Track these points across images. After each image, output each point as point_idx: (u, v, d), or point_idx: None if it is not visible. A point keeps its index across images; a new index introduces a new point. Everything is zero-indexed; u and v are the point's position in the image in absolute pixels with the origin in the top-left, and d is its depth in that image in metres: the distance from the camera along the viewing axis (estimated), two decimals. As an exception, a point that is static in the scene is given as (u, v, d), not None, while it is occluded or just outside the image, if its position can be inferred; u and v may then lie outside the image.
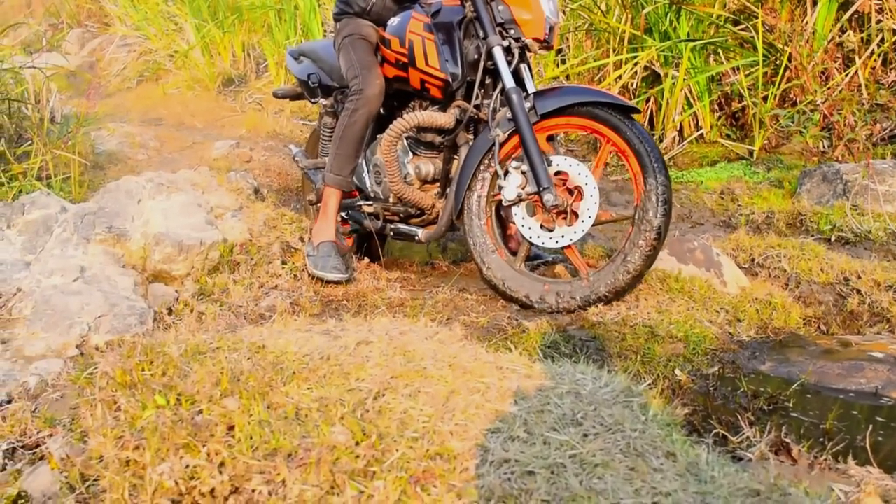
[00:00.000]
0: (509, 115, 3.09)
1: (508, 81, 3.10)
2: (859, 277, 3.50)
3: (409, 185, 3.46)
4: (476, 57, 3.24)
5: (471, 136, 3.40)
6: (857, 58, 5.67)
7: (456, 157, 3.44)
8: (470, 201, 3.22)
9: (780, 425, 2.35)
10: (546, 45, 3.23)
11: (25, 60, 5.10)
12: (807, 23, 5.77)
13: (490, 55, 3.18)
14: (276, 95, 4.35)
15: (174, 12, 7.25)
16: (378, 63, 3.53)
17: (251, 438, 1.65)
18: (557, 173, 3.05)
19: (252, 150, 5.00)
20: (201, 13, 6.75)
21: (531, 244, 3.13)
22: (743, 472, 1.73)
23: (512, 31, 3.19)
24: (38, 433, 2.03)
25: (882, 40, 5.69)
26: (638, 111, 3.14)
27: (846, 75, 5.63)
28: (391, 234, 3.64)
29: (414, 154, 3.53)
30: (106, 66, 7.51)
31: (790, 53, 5.64)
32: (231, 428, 1.69)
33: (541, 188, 2.99)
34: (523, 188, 3.06)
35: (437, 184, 3.53)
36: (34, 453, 1.99)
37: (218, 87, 6.47)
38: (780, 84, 5.64)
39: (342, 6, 3.63)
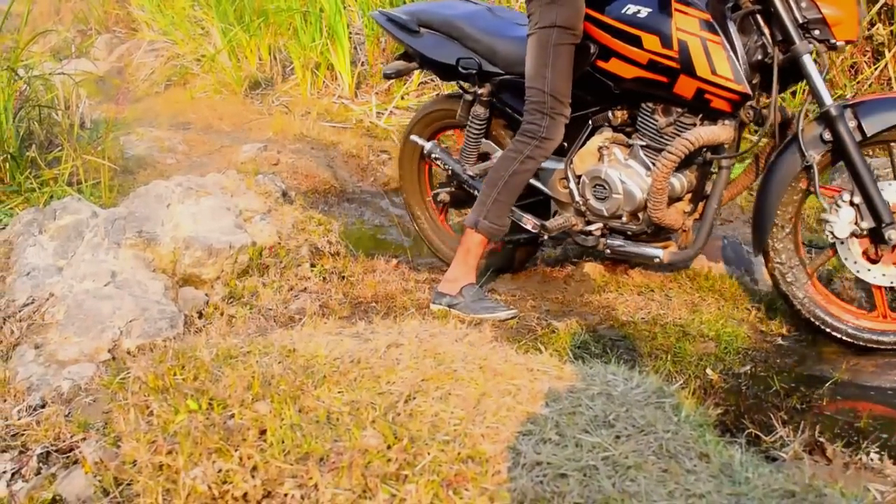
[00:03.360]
0: (826, 134, 2.71)
1: (826, 97, 2.70)
2: (893, 273, 3.46)
3: None
4: (759, 58, 2.78)
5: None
6: (886, 51, 5.60)
7: (714, 171, 3.03)
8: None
9: (813, 424, 2.32)
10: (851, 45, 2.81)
11: (55, 67, 5.16)
12: (836, 16, 5.70)
13: (792, 62, 2.72)
14: (387, 76, 3.77)
15: (200, 17, 7.29)
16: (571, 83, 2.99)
17: (283, 442, 1.66)
18: None
19: (279, 152, 5.02)
20: (227, 17, 6.78)
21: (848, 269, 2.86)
22: (777, 472, 1.71)
23: (817, 32, 2.70)
24: (71, 437, 2.06)
25: (913, 33, 5.63)
26: None
27: (875, 69, 5.56)
28: (607, 251, 3.14)
29: (656, 167, 2.97)
30: (134, 72, 7.57)
31: (819, 47, 5.57)
32: (263, 432, 1.70)
33: (883, 224, 2.65)
34: (857, 224, 2.71)
35: (685, 200, 3.06)
36: (68, 457, 2.01)
37: (245, 91, 6.50)
38: (809, 79, 5.58)
39: None
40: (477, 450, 1.62)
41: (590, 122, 3.11)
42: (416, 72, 6.16)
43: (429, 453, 1.61)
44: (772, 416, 2.38)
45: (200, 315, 2.90)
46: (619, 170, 3.01)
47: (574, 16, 2.91)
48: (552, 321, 2.93)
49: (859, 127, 2.67)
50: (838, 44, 2.73)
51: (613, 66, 2.93)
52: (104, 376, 2.31)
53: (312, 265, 3.33)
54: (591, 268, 3.35)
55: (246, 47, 6.80)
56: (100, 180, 4.08)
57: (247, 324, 2.80)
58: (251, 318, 2.86)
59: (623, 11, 2.87)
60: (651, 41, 2.80)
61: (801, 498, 1.58)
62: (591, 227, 3.14)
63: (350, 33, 6.43)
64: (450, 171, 3.50)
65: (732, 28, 2.75)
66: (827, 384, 2.62)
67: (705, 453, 1.70)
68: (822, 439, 2.17)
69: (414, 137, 3.64)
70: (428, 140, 3.61)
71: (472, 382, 1.84)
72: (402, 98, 6.05)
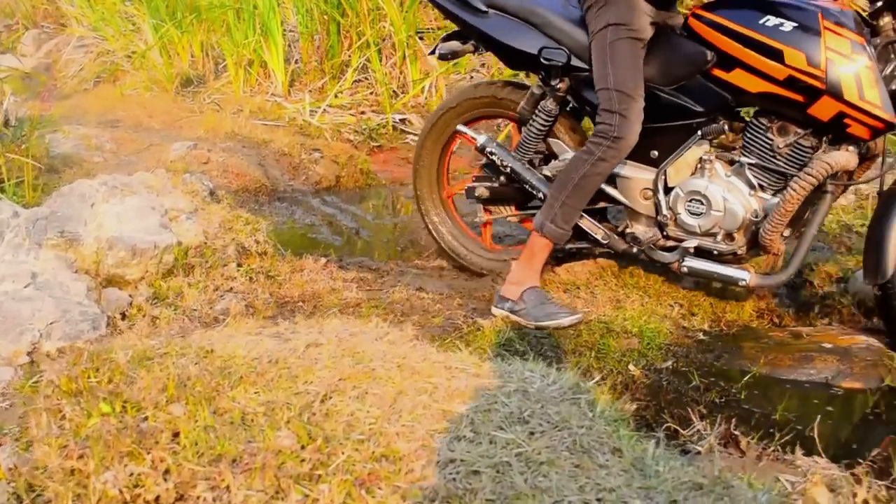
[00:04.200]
0: None
1: None
2: (812, 269, 3.54)
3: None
4: (893, 88, 2.69)
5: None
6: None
7: (820, 198, 2.90)
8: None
9: (730, 418, 2.38)
10: None
11: (-22, 63, 5.04)
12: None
13: None
14: (442, 57, 3.48)
15: (132, 12, 7.18)
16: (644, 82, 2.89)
17: (196, 445, 1.65)
18: None
19: (210, 151, 4.95)
20: (159, 13, 6.68)
21: None
22: (688, 465, 1.75)
23: None
24: (-14, 443, 2.01)
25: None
26: None
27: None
28: (683, 270, 3.00)
29: (761, 188, 2.92)
30: (62, 68, 7.42)
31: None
32: (176, 434, 1.69)
33: None
34: None
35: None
36: (-18, 464, 1.97)
37: (176, 88, 6.41)
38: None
39: None
40: (391, 448, 1.63)
41: (699, 132, 2.96)
42: (350, 71, 6.19)
43: (343, 453, 1.61)
44: (690, 410, 2.42)
45: (124, 316, 2.85)
46: (721, 186, 2.92)
47: (628, 12, 2.85)
48: (478, 319, 2.95)
49: None
50: None
51: (737, 77, 2.82)
52: (20, 380, 2.27)
53: (239, 265, 3.31)
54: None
55: (178, 44, 6.71)
56: (23, 179, 3.99)
57: (170, 325, 2.78)
58: (175, 319, 2.83)
59: (762, 22, 2.74)
60: (795, 57, 2.67)
61: (709, 490, 1.61)
62: (686, 244, 3.00)
63: (284, 31, 6.40)
64: (509, 170, 3.27)
65: (873, 54, 2.66)
66: (745, 378, 2.69)
67: (618, 448, 1.73)
68: (736, 432, 2.21)
69: (463, 128, 3.40)
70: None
71: (389, 381, 1.85)
72: (336, 96, 6.03)
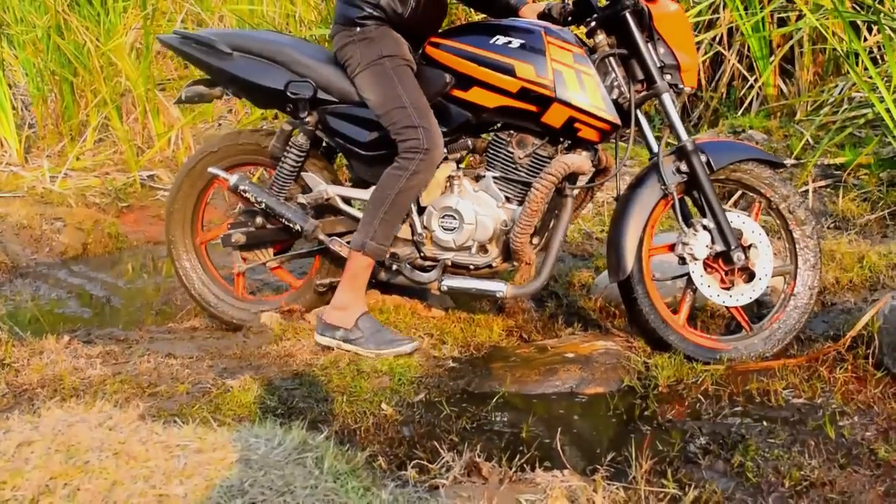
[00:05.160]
0: (682, 166, 2.94)
1: (684, 134, 2.95)
2: (556, 281, 3.70)
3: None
4: (613, 98, 2.97)
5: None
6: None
7: (561, 204, 3.10)
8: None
9: (479, 443, 2.42)
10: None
11: None
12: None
13: (638, 104, 2.98)
14: (189, 100, 3.42)
15: None
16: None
17: None
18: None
19: None
20: None
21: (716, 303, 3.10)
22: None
23: (668, 77, 2.96)
24: None
25: None
26: (784, 166, 3.32)
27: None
28: (443, 288, 3.10)
29: (507, 199, 3.09)
30: None
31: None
32: None
33: (731, 248, 2.92)
34: (710, 247, 2.94)
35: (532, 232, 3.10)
36: None
37: None
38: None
39: (369, 9, 2.97)
40: (103, 549, 1.55)
41: (444, 150, 3.08)
42: (90, 130, 5.94)
43: (50, 562, 1.52)
44: (440, 442, 2.45)
45: None
46: (471, 200, 3.07)
47: (396, 46, 3.03)
48: (227, 380, 2.86)
49: (708, 162, 2.94)
50: (685, 89, 3.03)
51: (475, 95, 3.03)
52: None
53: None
54: (269, 318, 3.32)
55: None
56: None
57: None
58: None
59: (492, 42, 2.98)
60: (525, 69, 2.92)
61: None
62: (443, 258, 3.11)
63: (14, 94, 6.07)
64: (264, 205, 3.24)
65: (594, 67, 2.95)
66: (494, 400, 2.75)
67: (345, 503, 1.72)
68: (478, 460, 2.24)
69: (215, 170, 3.32)
70: None
71: (102, 473, 1.75)
72: (78, 159, 5.76)
